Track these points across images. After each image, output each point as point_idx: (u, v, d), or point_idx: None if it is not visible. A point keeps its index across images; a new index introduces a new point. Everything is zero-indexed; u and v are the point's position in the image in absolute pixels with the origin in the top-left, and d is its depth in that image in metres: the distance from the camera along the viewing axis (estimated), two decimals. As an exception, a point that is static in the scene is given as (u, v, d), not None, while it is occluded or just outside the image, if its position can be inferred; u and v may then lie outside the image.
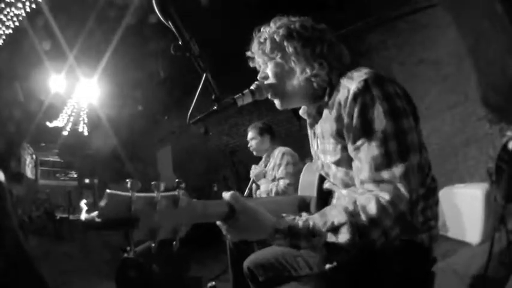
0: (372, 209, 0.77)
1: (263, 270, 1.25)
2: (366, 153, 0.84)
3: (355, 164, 0.88)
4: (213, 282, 2.90)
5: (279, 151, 2.65)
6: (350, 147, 0.89)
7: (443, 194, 2.93)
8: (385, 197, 0.78)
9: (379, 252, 0.83)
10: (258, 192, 2.75)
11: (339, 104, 0.90)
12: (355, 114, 0.85)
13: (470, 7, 3.00)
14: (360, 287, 0.89)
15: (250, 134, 2.79)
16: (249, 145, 2.81)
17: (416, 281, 0.92)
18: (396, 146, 0.81)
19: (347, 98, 0.87)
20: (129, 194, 0.64)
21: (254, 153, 2.81)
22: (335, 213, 0.80)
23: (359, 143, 0.85)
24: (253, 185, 2.85)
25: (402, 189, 0.78)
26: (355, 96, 0.86)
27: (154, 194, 0.67)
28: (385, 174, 0.80)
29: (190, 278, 3.21)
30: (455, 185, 3.00)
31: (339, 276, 0.93)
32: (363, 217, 0.78)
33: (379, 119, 0.83)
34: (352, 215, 0.78)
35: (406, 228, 0.80)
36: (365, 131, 0.84)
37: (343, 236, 0.77)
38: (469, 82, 3.36)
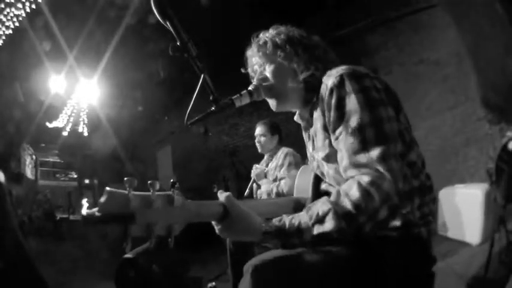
0: (355, 193, 0.79)
1: None
2: (344, 142, 0.87)
3: (338, 155, 0.91)
4: (213, 283, 2.90)
5: (282, 151, 2.65)
6: (332, 138, 0.93)
7: (443, 194, 2.93)
8: (366, 179, 0.79)
9: (378, 246, 0.84)
10: (259, 192, 2.74)
11: (322, 100, 0.94)
12: (332, 107, 0.90)
13: (470, 7, 3.00)
14: (359, 284, 0.89)
15: (260, 130, 2.74)
16: (256, 140, 2.75)
17: (416, 281, 0.91)
18: (373, 133, 0.84)
19: (325, 93, 0.92)
20: (126, 191, 0.69)
21: (259, 149, 2.77)
22: (319, 205, 0.82)
23: (337, 132, 0.89)
24: (254, 184, 2.84)
25: (381, 169, 0.79)
26: (331, 91, 0.90)
27: (150, 193, 0.71)
28: (363, 158, 0.83)
29: (190, 278, 3.21)
30: (455, 185, 3.00)
31: (338, 271, 0.93)
32: (347, 203, 0.79)
33: (355, 109, 0.86)
34: (336, 203, 0.80)
35: (394, 210, 0.80)
36: (342, 121, 0.88)
37: (329, 224, 0.79)
38: (469, 82, 3.36)
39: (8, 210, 2.23)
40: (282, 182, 2.51)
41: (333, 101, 0.89)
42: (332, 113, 0.90)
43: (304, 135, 1.19)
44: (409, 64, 3.96)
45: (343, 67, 0.94)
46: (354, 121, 0.85)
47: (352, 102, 0.86)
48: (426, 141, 3.56)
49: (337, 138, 0.90)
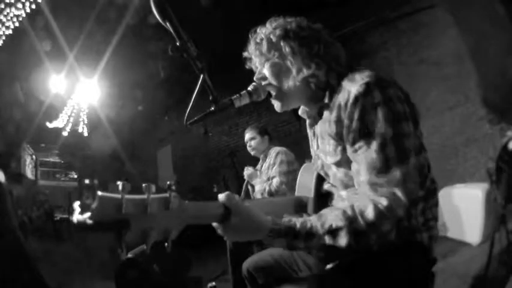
0: (370, 214, 0.78)
1: (262, 272, 1.24)
2: (364, 156, 0.84)
3: (353, 166, 0.89)
4: (213, 283, 2.90)
5: (274, 150, 2.71)
6: (349, 149, 0.89)
7: (443, 194, 2.92)
8: (383, 202, 0.79)
9: (379, 252, 0.83)
10: (254, 194, 2.76)
11: (339, 105, 0.89)
12: (355, 117, 0.85)
13: (470, 7, 3.00)
14: (359, 286, 0.89)
15: (249, 135, 2.83)
16: (248, 145, 2.84)
17: (416, 281, 0.91)
18: (394, 151, 0.81)
19: (348, 100, 0.87)
20: (119, 196, 0.64)
21: (252, 153, 2.85)
22: (333, 217, 0.81)
23: (357, 145, 0.86)
24: (249, 186, 2.87)
25: (399, 194, 0.79)
26: (356, 99, 0.85)
27: (145, 196, 0.66)
28: (383, 179, 0.81)
29: (190, 278, 3.21)
30: (455, 185, 3.00)
31: (338, 277, 0.93)
32: (361, 222, 0.78)
33: (379, 123, 0.83)
34: (350, 220, 0.79)
35: (402, 232, 0.81)
36: (364, 134, 0.84)
37: (341, 240, 0.79)
38: (469, 82, 3.36)
39: (8, 210, 2.23)
40: (274, 180, 2.54)
41: (357, 111, 0.85)
42: (354, 124, 0.86)
43: (309, 132, 1.16)
44: (410, 64, 3.96)
45: (368, 73, 0.88)
46: (376, 137, 0.82)
47: (377, 116, 0.83)
48: (426, 140, 3.54)
49: (356, 151, 0.87)
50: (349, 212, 0.80)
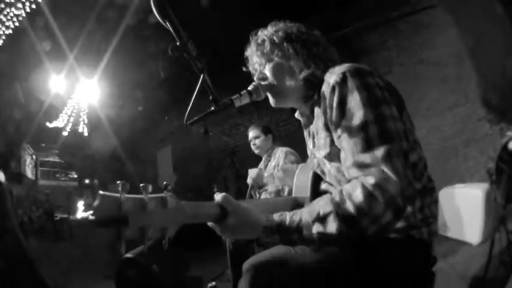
0: (358, 196, 0.75)
1: None
2: (347, 140, 0.84)
3: (341, 155, 0.89)
4: (213, 282, 2.90)
5: (280, 151, 2.68)
6: (335, 137, 0.90)
7: (443, 194, 2.93)
8: (370, 181, 0.75)
9: (379, 247, 0.83)
10: (264, 194, 2.73)
11: (323, 98, 0.92)
12: (334, 105, 0.87)
13: (470, 7, 3.00)
14: (359, 285, 0.89)
15: (252, 133, 2.80)
16: (252, 144, 2.81)
17: (416, 280, 0.91)
18: (377, 131, 0.81)
19: (327, 90, 0.90)
20: (119, 195, 0.69)
21: (256, 151, 2.81)
22: (322, 204, 0.80)
23: (339, 132, 0.87)
24: (253, 192, 2.85)
25: (387, 170, 0.76)
26: (333, 88, 0.88)
27: (143, 196, 0.71)
28: (367, 158, 0.79)
29: (190, 278, 3.21)
30: (455, 185, 3.00)
31: (337, 273, 0.93)
32: (350, 206, 0.76)
33: (358, 107, 0.83)
34: (339, 205, 0.77)
35: (399, 213, 0.77)
36: (344, 119, 0.85)
37: (330, 226, 0.77)
38: (469, 82, 3.36)
39: (8, 210, 2.23)
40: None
41: (335, 98, 0.87)
42: (334, 111, 0.87)
43: (305, 132, 1.18)
44: (409, 64, 3.96)
45: (346, 65, 0.91)
46: (356, 119, 0.82)
47: (354, 100, 0.84)
48: (426, 141, 3.56)
49: (339, 137, 0.87)
50: (338, 197, 0.78)
